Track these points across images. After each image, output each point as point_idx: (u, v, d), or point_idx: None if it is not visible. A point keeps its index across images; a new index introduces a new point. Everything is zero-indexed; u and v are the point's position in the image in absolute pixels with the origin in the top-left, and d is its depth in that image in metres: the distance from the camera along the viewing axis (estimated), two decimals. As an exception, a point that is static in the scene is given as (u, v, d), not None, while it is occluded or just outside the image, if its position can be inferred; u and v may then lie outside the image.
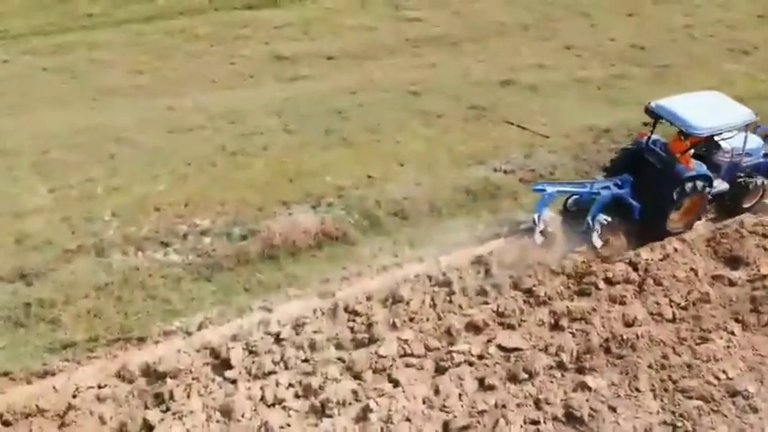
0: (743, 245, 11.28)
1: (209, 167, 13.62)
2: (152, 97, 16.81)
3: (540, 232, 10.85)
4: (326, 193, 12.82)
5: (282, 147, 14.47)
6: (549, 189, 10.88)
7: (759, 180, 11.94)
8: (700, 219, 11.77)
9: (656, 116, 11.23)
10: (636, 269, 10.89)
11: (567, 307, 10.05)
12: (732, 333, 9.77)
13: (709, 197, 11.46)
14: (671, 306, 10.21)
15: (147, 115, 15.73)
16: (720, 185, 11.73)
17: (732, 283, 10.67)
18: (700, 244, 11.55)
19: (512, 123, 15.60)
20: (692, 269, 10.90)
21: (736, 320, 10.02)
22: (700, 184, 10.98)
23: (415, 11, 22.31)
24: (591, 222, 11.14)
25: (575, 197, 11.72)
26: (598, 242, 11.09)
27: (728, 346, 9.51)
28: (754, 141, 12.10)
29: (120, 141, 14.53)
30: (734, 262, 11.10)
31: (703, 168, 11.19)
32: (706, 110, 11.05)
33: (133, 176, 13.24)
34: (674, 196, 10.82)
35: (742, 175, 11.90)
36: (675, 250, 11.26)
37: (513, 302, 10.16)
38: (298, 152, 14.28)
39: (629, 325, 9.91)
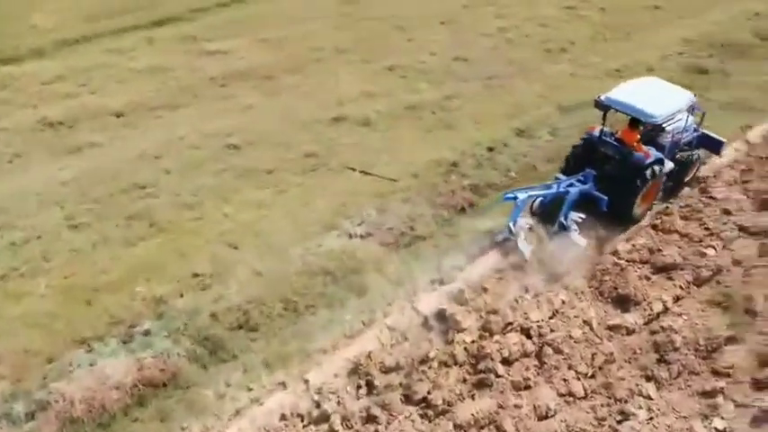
0: (625, 279, 10.45)
1: (-36, 306, 9.83)
2: None
3: (524, 240, 10.61)
4: (140, 312, 9.77)
5: (70, 252, 11.01)
6: (521, 196, 10.48)
7: (696, 154, 12.61)
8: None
9: (606, 108, 11.31)
10: (529, 336, 9.52)
11: (473, 415, 8.27)
12: (648, 397, 8.74)
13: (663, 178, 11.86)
14: (578, 379, 8.94)
15: None
16: (668, 165, 11.81)
17: (630, 331, 9.74)
18: (583, 287, 10.54)
19: (354, 170, 13.61)
20: (585, 322, 9.80)
21: (647, 378, 9.04)
22: (657, 168, 11.34)
23: (215, 42, 19.33)
24: (565, 222, 11.07)
25: (539, 200, 11.29)
26: (582, 241, 11.01)
27: (650, 417, 8.43)
28: (688, 119, 12.43)
29: None
30: (623, 303, 10.22)
31: (658, 153, 11.50)
32: (654, 97, 11.47)
33: None
34: (639, 183, 11.11)
35: (679, 152, 12.40)
36: (563, 302, 10.11)
37: (409, 426, 8.14)
38: (92, 256, 10.95)
39: (543, 417, 8.43)
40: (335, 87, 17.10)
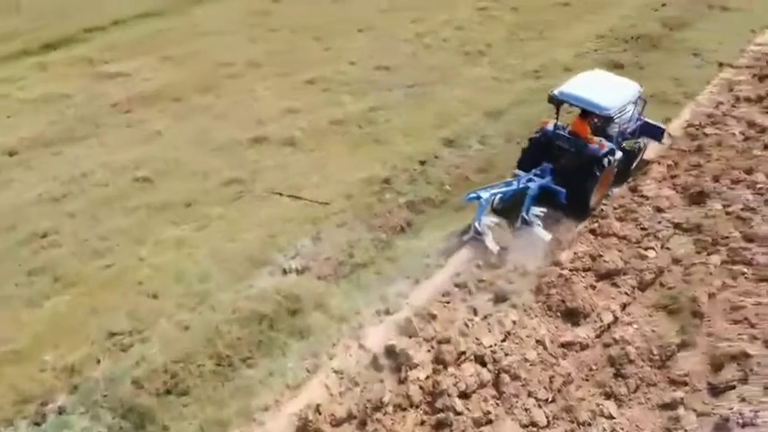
0: (572, 290, 10.18)
1: None
2: None
3: (491, 238, 10.67)
4: (51, 386, 8.53)
5: (-40, 322, 9.56)
6: (484, 195, 10.63)
7: (642, 142, 13.19)
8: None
9: (560, 103, 11.53)
10: (484, 364, 9.04)
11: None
12: (610, 416, 8.45)
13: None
14: (539, 406, 8.53)
15: None
16: (617, 154, 12.05)
17: (583, 347, 9.46)
18: (531, 303, 10.19)
19: (281, 194, 12.73)
20: (538, 342, 9.43)
21: (607, 396, 8.76)
22: (611, 158, 11.65)
23: (114, 63, 17.86)
24: (527, 218, 11.21)
25: (500, 197, 11.36)
26: (546, 235, 11.17)
27: (615, 439, 8.15)
28: (634, 109, 12.85)
29: None
30: (573, 316, 9.94)
31: (610, 143, 11.79)
32: (605, 89, 11.70)
33: None
34: (596, 175, 11.41)
35: (623, 141, 12.77)
36: (513, 323, 9.71)
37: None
38: (-12, 324, 9.55)
39: (509, 455, 7.97)
40: (253, 105, 16.14)
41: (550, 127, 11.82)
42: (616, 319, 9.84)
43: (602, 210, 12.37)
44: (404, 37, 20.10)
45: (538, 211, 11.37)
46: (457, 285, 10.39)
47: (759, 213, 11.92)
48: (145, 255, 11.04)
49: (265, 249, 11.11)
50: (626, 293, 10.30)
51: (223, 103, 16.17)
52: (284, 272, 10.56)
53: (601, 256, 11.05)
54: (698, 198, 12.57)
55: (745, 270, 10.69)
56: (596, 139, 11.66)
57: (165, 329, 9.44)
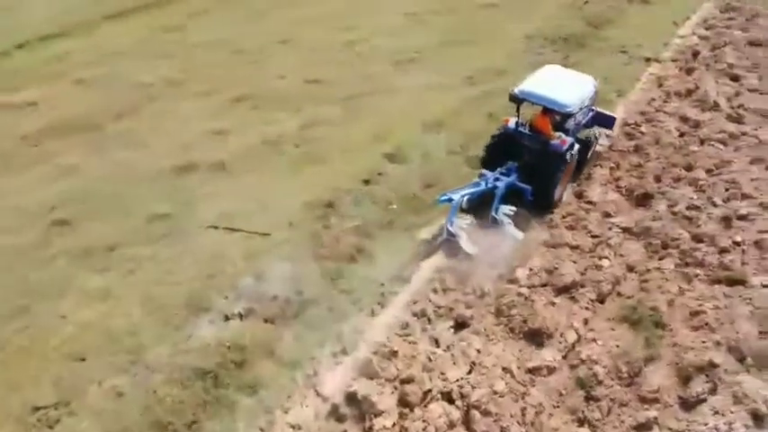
0: (532, 309, 9.81)
1: None
2: None
3: (466, 240, 10.66)
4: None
5: None
6: (455, 197, 10.71)
7: (595, 133, 13.21)
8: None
9: (521, 101, 11.62)
10: (452, 401, 8.52)
11: None
12: (587, 445, 8.11)
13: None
14: (515, 442, 8.08)
15: None
16: (576, 147, 12.21)
17: (551, 370, 9.08)
18: (492, 326, 9.76)
19: (216, 228, 11.78)
20: (504, 370, 8.98)
21: (580, 423, 8.42)
22: (572, 153, 11.83)
23: (20, 92, 16.27)
24: (496, 216, 11.21)
25: (467, 197, 11.09)
26: (519, 234, 11.15)
27: (595, 471, 7.80)
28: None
29: None
30: (536, 337, 9.55)
31: (571, 138, 11.95)
32: (564, 86, 11.89)
33: None
34: (560, 170, 11.55)
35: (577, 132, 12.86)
36: (477, 351, 9.25)
37: None
38: None
39: (488, 502, 7.46)
40: (176, 129, 15.04)
41: (512, 125, 11.88)
42: (579, 336, 9.53)
43: (552, 219, 12.13)
44: (334, 47, 19.41)
45: (507, 209, 11.32)
46: (415, 315, 9.82)
47: (704, 211, 12.01)
48: (67, 311, 9.88)
49: (203, 293, 10.16)
50: (586, 308, 10.04)
51: (143, 128, 14.97)
52: (226, 318, 9.66)
53: (556, 268, 10.76)
54: (643, 200, 12.56)
55: (699, 272, 10.68)
56: (556, 134, 11.79)
57: (96, 398, 8.38)
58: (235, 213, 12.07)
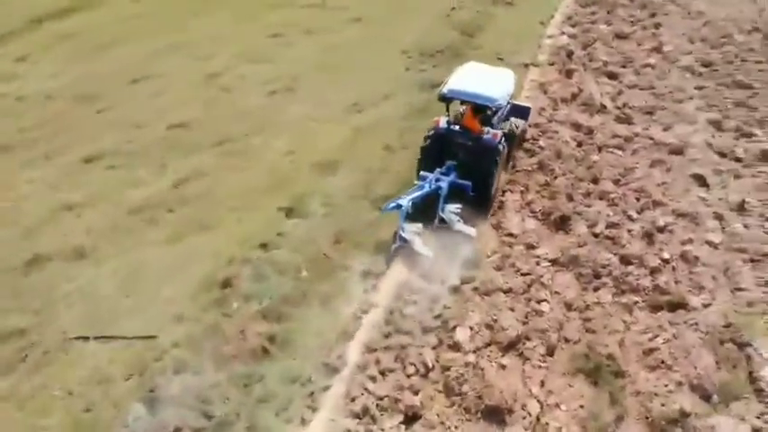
0: (484, 380, 8.66)
1: None
2: None
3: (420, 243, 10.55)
4: None
5: None
6: (403, 202, 10.60)
7: (514, 123, 13.01)
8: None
9: (450, 100, 11.77)
10: None
11: None
12: None
13: None
14: None
15: None
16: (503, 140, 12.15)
17: (522, 457, 7.97)
18: (445, 409, 8.48)
19: (87, 338, 9.42)
20: (470, 465, 7.74)
21: None
22: (503, 145, 11.89)
23: None
24: (444, 216, 11.10)
25: (412, 201, 10.84)
26: (471, 230, 11.08)
27: None
28: None
29: None
30: (496, 414, 8.39)
31: (500, 131, 12.01)
32: (489, 81, 12.06)
33: None
34: (496, 163, 11.62)
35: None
36: (438, 443, 7.93)
37: None
38: None
39: None
40: (15, 209, 12.21)
41: (444, 125, 11.81)
42: (542, 404, 8.52)
43: (476, 259, 11.07)
44: (193, 81, 17.15)
45: (453, 208, 11.19)
46: (356, 416, 8.27)
47: (623, 228, 11.69)
48: None
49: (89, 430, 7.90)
50: (539, 365, 9.08)
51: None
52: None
53: (496, 321, 9.72)
54: (561, 224, 11.95)
55: (637, 299, 10.23)
56: (485, 129, 11.84)
57: None
58: (107, 315, 9.78)
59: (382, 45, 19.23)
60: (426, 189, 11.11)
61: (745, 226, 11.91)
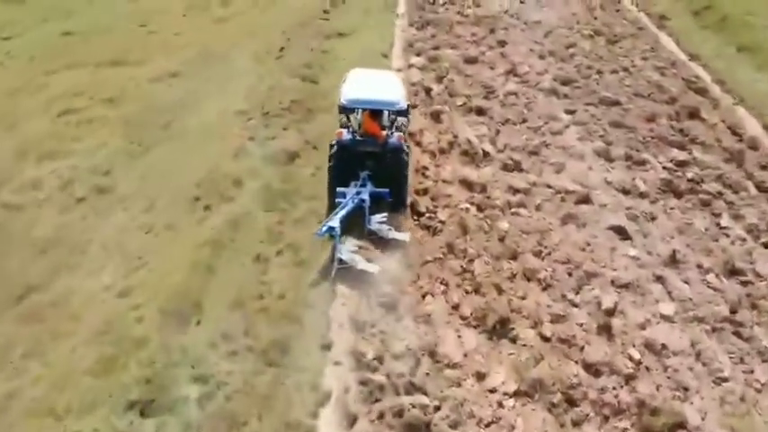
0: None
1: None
2: None
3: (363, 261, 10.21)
4: None
5: None
6: (334, 224, 10.28)
7: (404, 122, 12.41)
8: None
9: (351, 111, 11.67)
10: None
11: None
12: None
13: None
14: None
15: None
16: None
17: None
18: None
19: None
20: None
21: None
22: (409, 146, 11.95)
23: None
24: (372, 227, 10.85)
25: (340, 219, 10.39)
26: (404, 235, 10.87)
27: None
28: None
29: None
30: None
31: (400, 132, 11.85)
32: (384, 85, 12.07)
33: None
34: (407, 163, 11.58)
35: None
36: None
37: None
38: None
39: None
40: None
41: (347, 136, 11.44)
42: None
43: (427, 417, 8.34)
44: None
45: (379, 217, 10.99)
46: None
47: (572, 320, 10.01)
48: None
49: None
50: None
51: None
52: None
53: None
54: (502, 330, 9.73)
55: (626, 426, 8.39)
56: (384, 133, 11.64)
57: None
58: None
59: (208, 108, 15.60)
60: (351, 205, 10.84)
61: (686, 282, 10.75)
